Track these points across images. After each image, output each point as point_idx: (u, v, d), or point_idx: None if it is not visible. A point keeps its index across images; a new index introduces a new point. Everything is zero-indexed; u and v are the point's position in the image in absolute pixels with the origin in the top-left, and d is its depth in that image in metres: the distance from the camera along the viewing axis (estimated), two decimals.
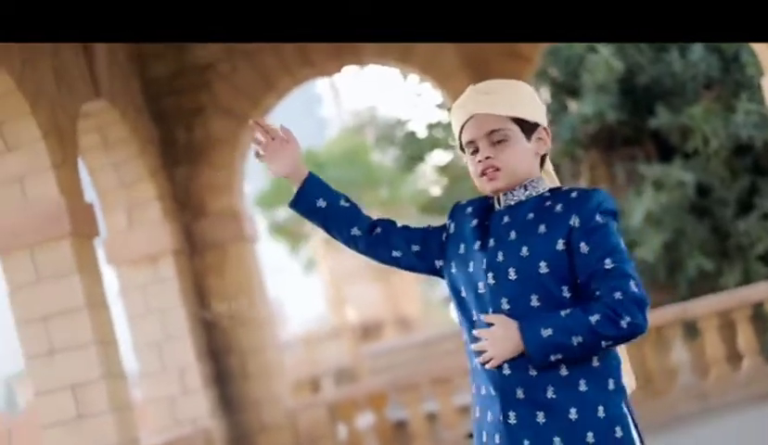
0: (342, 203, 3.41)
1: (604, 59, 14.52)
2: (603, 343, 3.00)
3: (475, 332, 3.16)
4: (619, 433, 3.05)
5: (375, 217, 3.46)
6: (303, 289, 34.48)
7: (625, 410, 3.11)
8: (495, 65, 11.77)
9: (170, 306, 11.48)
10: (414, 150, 17.83)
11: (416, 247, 3.38)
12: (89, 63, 10.30)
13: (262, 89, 12.30)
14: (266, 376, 12.08)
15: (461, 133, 3.26)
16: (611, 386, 3.09)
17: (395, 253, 3.40)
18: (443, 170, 17.93)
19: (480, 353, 3.16)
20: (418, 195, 20.34)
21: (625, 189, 15.60)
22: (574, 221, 3.09)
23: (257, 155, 3.46)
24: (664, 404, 11.45)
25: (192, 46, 12.20)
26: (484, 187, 3.24)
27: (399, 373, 12.36)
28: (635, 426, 3.12)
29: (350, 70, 12.91)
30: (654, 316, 11.81)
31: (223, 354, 12.01)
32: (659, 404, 11.46)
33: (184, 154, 12.16)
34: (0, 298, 9.40)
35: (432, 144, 17.45)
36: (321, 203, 3.39)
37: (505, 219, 3.20)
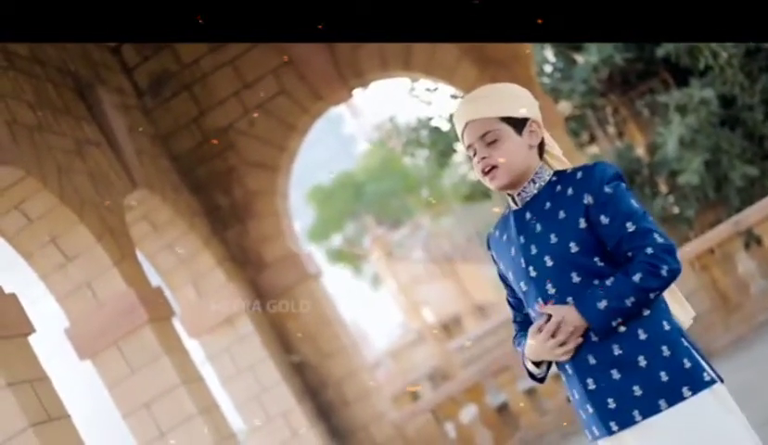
0: None
1: None
2: (651, 295, 3.32)
3: (540, 325, 3.44)
4: (687, 364, 3.33)
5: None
6: (377, 305, 34.65)
7: (686, 343, 3.38)
8: (493, 46, 12.01)
9: (257, 359, 11.87)
10: (442, 145, 18.07)
11: (515, 301, 3.71)
12: (118, 158, 10.70)
13: (283, 133, 12.62)
14: (366, 398, 12.40)
15: (462, 138, 3.60)
16: (666, 327, 3.38)
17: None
18: None
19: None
20: (458, 186, 20.57)
21: (652, 122, 15.78)
22: (588, 199, 3.39)
23: None
24: (744, 316, 11.59)
25: (207, 113, 12.56)
26: (489, 185, 3.57)
27: (488, 359, 12.60)
28: (701, 356, 3.40)
29: (360, 91, 13.19)
30: (712, 236, 11.99)
31: (320, 390, 12.36)
32: (739, 317, 11.61)
33: (229, 216, 12.52)
34: (100, 393, 9.80)
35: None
36: None
37: (528, 215, 3.53)
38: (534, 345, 3.47)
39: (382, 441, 12.22)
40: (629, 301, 3.30)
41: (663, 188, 15.96)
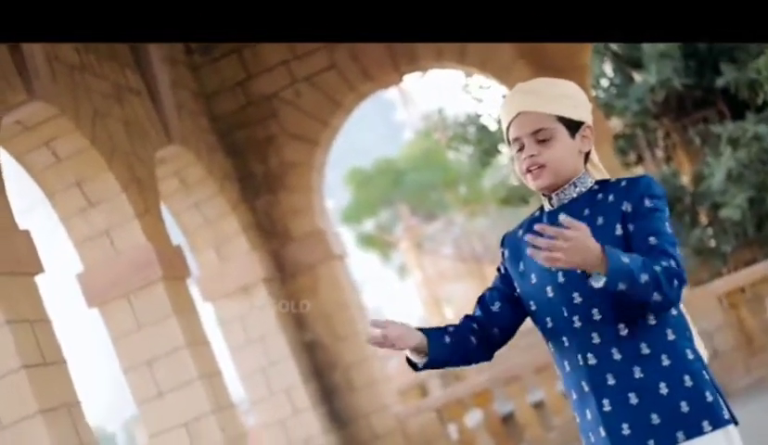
0: (454, 328, 3.44)
1: None
2: (655, 294, 3.05)
3: (549, 229, 3.08)
4: (709, 398, 3.16)
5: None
6: (400, 295, 34.54)
7: (707, 376, 3.20)
8: (552, 51, 11.80)
9: (269, 332, 11.73)
10: (487, 144, 17.88)
11: (496, 295, 3.46)
12: (157, 110, 10.58)
13: (328, 109, 12.47)
14: (372, 387, 12.25)
15: (508, 129, 3.35)
16: (690, 356, 3.20)
17: (498, 315, 3.44)
18: None
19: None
20: (497, 188, 20.39)
21: (702, 152, 15.53)
22: (626, 207, 3.21)
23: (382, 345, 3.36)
24: (766, 359, 11.42)
25: (254, 78, 12.43)
26: (529, 184, 3.34)
27: (501, 366, 12.44)
28: (719, 393, 3.22)
29: (412, 77, 13.02)
30: (745, 274, 11.80)
31: (327, 371, 12.22)
32: (761, 360, 11.43)
33: (262, 184, 12.39)
34: (106, 346, 9.69)
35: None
36: (447, 339, 3.40)
37: (562, 217, 3.20)
38: None
39: (382, 433, 12.08)
40: (643, 278, 3.03)
41: (703, 219, 15.73)
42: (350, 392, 12.17)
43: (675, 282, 3.09)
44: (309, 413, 11.67)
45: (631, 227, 3.20)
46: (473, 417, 12.98)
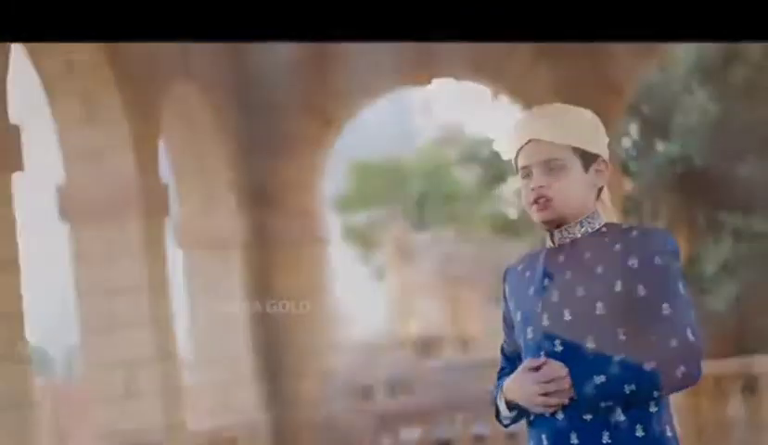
0: None
1: (699, 102, 14.30)
2: (655, 393, 2.91)
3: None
4: None
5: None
6: (369, 296, 34.44)
7: None
8: (586, 95, 11.60)
9: (232, 295, 11.50)
10: (496, 170, 17.73)
11: (511, 350, 3.27)
12: (183, 45, 10.33)
13: (352, 91, 12.27)
14: (319, 377, 12.10)
15: (517, 155, 3.13)
16: (668, 433, 2.99)
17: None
18: None
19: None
20: (495, 216, 20.25)
21: (704, 235, 15.38)
22: (633, 262, 2.97)
23: None
24: None
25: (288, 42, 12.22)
26: (534, 216, 3.11)
27: (453, 391, 12.28)
28: None
29: (440, 83, 12.83)
30: (715, 366, 11.64)
31: (278, 350, 12.02)
32: None
33: (266, 147, 12.16)
34: (64, 268, 9.46)
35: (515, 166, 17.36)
36: None
37: (561, 258, 3.09)
38: (519, 383, 3.01)
39: (316, 424, 11.90)
40: (629, 388, 2.88)
41: None
42: (295, 376, 11.98)
43: (684, 363, 2.92)
44: (249, 385, 11.49)
45: (641, 288, 2.95)
46: (410, 433, 12.77)
